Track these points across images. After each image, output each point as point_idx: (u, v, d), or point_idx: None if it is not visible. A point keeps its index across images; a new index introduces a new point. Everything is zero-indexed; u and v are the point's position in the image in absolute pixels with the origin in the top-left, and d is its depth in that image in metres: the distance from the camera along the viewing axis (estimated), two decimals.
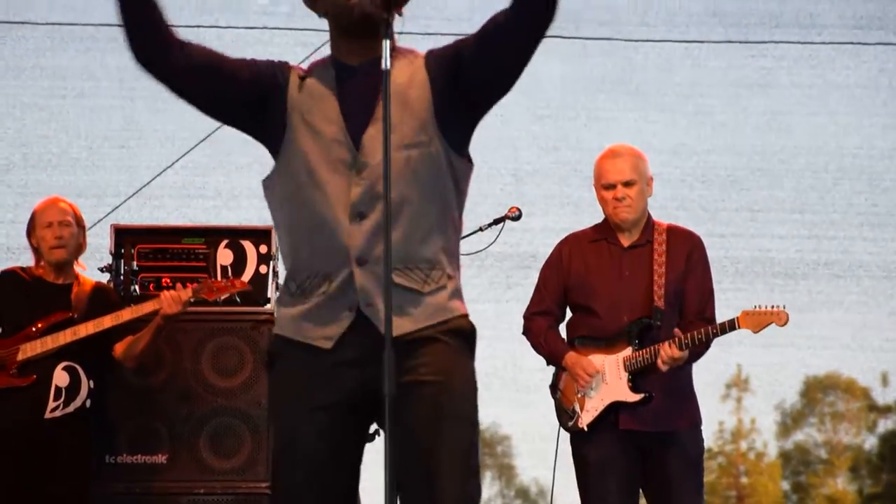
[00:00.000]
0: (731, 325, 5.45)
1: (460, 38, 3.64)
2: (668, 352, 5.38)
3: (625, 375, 5.50)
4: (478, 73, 3.55)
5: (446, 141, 3.56)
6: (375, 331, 3.31)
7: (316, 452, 3.48)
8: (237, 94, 3.60)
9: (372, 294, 3.40)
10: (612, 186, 5.56)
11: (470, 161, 3.67)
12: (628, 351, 5.51)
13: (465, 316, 3.60)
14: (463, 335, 3.55)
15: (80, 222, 6.17)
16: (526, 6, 3.45)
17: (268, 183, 3.64)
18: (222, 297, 6.13)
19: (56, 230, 6.03)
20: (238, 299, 6.30)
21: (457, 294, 3.61)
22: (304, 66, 3.78)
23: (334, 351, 3.45)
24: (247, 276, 6.48)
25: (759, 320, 5.50)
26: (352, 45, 3.56)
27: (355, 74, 3.54)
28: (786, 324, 5.57)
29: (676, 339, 5.38)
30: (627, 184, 5.56)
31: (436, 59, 3.60)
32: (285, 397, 3.57)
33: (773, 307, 5.51)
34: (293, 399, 3.55)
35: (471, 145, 3.68)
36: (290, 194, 3.58)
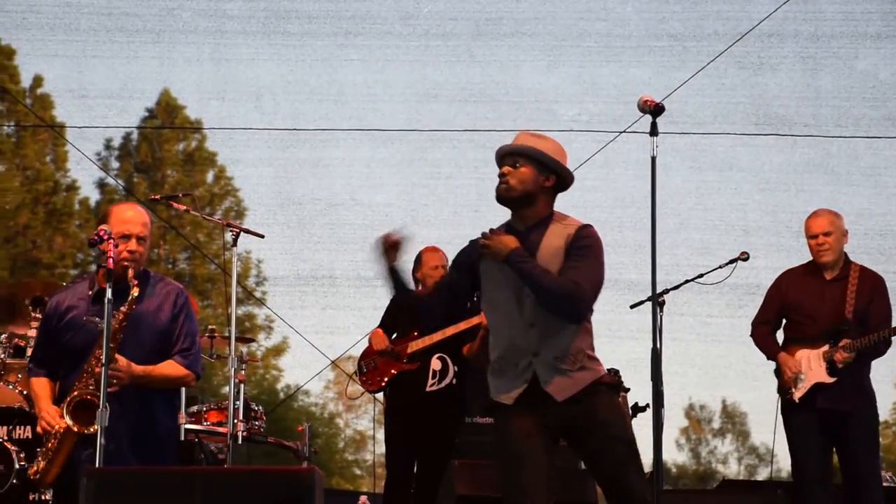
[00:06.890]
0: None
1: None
2: (838, 355, 6.25)
3: (824, 364, 6.28)
4: None
5: None
6: (543, 393, 4.41)
7: (523, 447, 4.46)
8: (468, 284, 4.69)
9: (544, 374, 4.44)
10: (815, 236, 6.36)
11: None
12: (826, 347, 6.32)
13: (600, 380, 4.51)
14: (603, 388, 4.51)
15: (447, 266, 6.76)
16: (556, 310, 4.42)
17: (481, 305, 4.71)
18: None
19: (440, 272, 6.85)
20: None
21: (592, 365, 4.52)
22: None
23: (514, 405, 4.48)
24: None
25: None
26: (514, 215, 4.57)
27: (519, 235, 4.46)
28: None
29: (846, 345, 6.25)
30: (826, 234, 6.32)
31: (574, 237, 4.48)
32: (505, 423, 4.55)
33: None
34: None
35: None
36: (488, 314, 4.64)
